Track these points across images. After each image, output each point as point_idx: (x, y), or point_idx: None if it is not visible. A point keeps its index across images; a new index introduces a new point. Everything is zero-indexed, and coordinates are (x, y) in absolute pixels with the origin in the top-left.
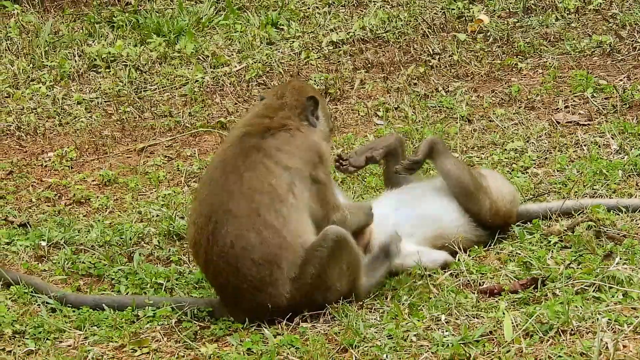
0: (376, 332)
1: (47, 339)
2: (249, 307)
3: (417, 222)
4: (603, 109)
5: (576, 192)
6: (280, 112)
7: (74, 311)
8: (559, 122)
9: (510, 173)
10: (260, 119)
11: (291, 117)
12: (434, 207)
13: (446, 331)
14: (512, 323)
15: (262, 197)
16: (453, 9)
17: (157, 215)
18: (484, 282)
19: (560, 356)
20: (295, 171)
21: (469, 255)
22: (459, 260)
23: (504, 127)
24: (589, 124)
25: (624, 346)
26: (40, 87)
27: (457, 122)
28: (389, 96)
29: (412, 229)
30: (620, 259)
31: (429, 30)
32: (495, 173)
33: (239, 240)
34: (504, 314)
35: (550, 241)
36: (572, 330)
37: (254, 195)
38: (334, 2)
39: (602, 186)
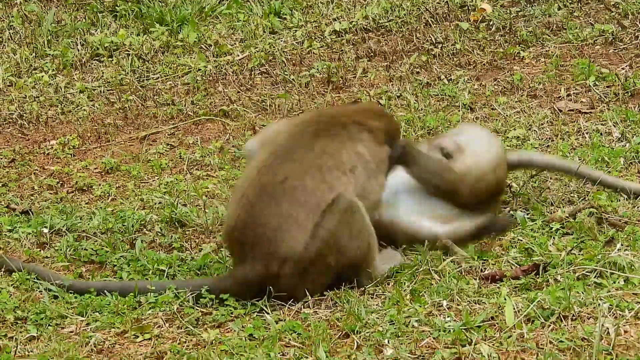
0: (378, 318)
1: (49, 325)
2: (264, 252)
3: (421, 202)
4: (605, 97)
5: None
6: (364, 116)
7: (75, 297)
8: (561, 110)
9: None
10: (354, 114)
11: (376, 126)
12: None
13: (448, 317)
14: (514, 309)
15: (330, 159)
16: None
17: (160, 203)
18: (485, 269)
19: (561, 341)
20: (364, 161)
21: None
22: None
23: (506, 115)
24: (590, 112)
25: (625, 331)
26: (42, 76)
27: (459, 110)
28: (392, 84)
29: (420, 207)
30: (622, 245)
31: (432, 19)
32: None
33: (292, 179)
34: (505, 299)
35: (552, 228)
36: (573, 315)
37: (322, 155)
38: None
39: (604, 173)
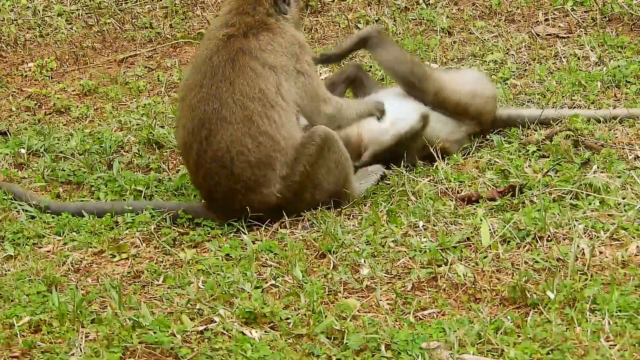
0: (354, 238)
1: (26, 244)
2: (239, 207)
3: (399, 117)
4: (583, 21)
5: (554, 102)
6: (258, 7)
7: (53, 217)
8: (538, 35)
9: None
10: (240, 16)
11: (268, 10)
12: (408, 106)
13: (424, 237)
14: (490, 229)
15: (254, 104)
16: None
17: (137, 124)
18: (462, 190)
19: (537, 261)
20: (280, 69)
21: (447, 164)
22: (437, 168)
23: (484, 40)
24: (568, 37)
25: (600, 252)
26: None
27: (437, 35)
28: (370, 9)
29: (398, 121)
30: (598, 167)
31: None
32: (468, 72)
33: (234, 145)
34: (481, 220)
35: (528, 150)
36: (548, 236)
37: (245, 102)
38: None
39: (580, 97)
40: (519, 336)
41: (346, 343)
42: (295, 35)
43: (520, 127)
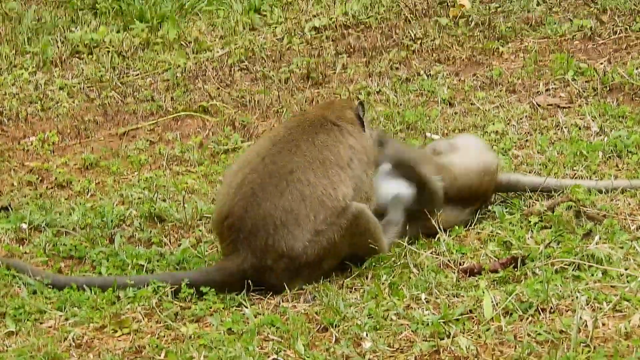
0: (356, 311)
1: (28, 320)
2: (260, 245)
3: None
4: (583, 91)
5: (556, 173)
6: (342, 111)
7: (54, 292)
8: (539, 105)
9: None
10: (322, 111)
11: (352, 116)
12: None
13: (426, 310)
14: (492, 301)
15: (330, 154)
16: None
17: (139, 198)
18: (464, 262)
19: (539, 334)
20: (357, 153)
21: (449, 235)
22: (439, 240)
23: (485, 110)
24: (569, 107)
25: (603, 324)
26: (22, 73)
27: (438, 105)
28: (371, 80)
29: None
30: (600, 238)
31: (411, 15)
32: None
33: (298, 171)
34: (483, 292)
35: (530, 221)
36: (551, 308)
37: (323, 149)
38: None
39: (582, 167)
40: None
41: None
42: (371, 146)
43: (522, 196)
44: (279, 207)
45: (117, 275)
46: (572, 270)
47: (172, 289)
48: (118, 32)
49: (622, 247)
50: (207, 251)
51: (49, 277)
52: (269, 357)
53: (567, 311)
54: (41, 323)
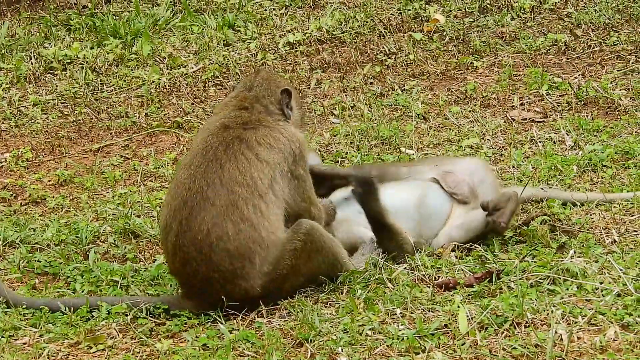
0: (332, 327)
1: (2, 336)
2: (217, 297)
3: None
4: (558, 106)
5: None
6: (255, 104)
7: (28, 309)
8: (514, 119)
9: None
10: (238, 111)
11: (267, 110)
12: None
13: (401, 325)
14: (467, 316)
15: (242, 189)
16: (409, 10)
17: (113, 214)
18: (439, 277)
19: (515, 348)
20: (275, 166)
21: (424, 250)
22: (414, 255)
23: (460, 125)
24: (544, 121)
25: (579, 338)
26: None
27: (412, 120)
28: (345, 95)
29: None
30: (575, 252)
31: (385, 30)
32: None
33: (214, 229)
34: (459, 307)
35: (505, 236)
36: (526, 322)
37: (234, 187)
38: (290, 4)
39: (557, 181)
40: None
41: None
42: (296, 136)
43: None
44: (216, 270)
45: (91, 296)
46: (547, 284)
47: (147, 305)
48: (92, 48)
49: (597, 261)
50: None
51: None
52: None
53: (542, 325)
54: (16, 339)
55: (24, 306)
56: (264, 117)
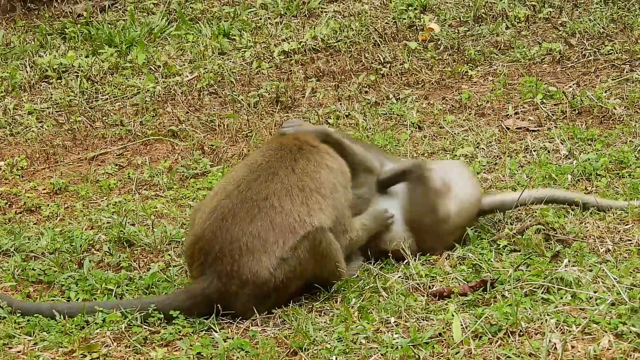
0: (326, 335)
1: None
2: (226, 270)
3: None
4: (552, 115)
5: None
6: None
7: (23, 317)
8: (508, 128)
9: None
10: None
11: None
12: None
13: (396, 333)
14: (461, 325)
15: (311, 182)
16: (404, 19)
17: (108, 223)
18: (433, 285)
19: (509, 357)
20: (337, 175)
21: (419, 259)
22: (408, 263)
23: (454, 134)
24: (538, 130)
25: (572, 347)
26: None
27: (407, 129)
28: (340, 104)
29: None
30: (569, 261)
31: (380, 39)
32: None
33: (272, 197)
34: (453, 315)
35: (499, 245)
36: (520, 331)
37: (303, 177)
38: (285, 13)
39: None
40: None
41: None
42: (345, 167)
43: (491, 220)
44: (247, 233)
45: (86, 301)
46: (542, 293)
47: (141, 314)
48: (87, 56)
49: (591, 270)
50: (176, 275)
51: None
52: None
53: (536, 334)
54: (10, 348)
55: (19, 313)
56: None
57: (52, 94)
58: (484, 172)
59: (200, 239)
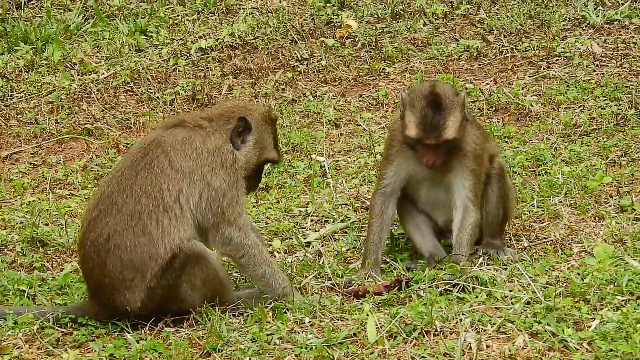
0: (240, 336)
1: None
2: (105, 303)
3: None
4: (470, 111)
5: None
6: (208, 119)
7: None
8: None
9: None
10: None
11: (213, 126)
12: None
13: (310, 334)
14: (376, 324)
15: (149, 201)
16: (322, 15)
17: (21, 222)
18: (349, 285)
19: (423, 357)
20: (186, 174)
21: (335, 258)
22: (323, 263)
23: (371, 131)
24: None
25: (487, 346)
26: None
27: (324, 127)
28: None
29: None
30: (484, 260)
31: (298, 36)
32: None
33: (114, 236)
34: (367, 315)
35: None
36: (435, 331)
37: (141, 197)
38: (203, 10)
39: None
40: None
41: None
42: (223, 150)
43: None
44: (107, 275)
45: None
46: (457, 292)
47: (54, 315)
48: (2, 54)
49: (506, 269)
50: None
51: None
52: None
53: (451, 333)
54: None
55: None
56: (203, 124)
57: None
58: None
59: (81, 267)
